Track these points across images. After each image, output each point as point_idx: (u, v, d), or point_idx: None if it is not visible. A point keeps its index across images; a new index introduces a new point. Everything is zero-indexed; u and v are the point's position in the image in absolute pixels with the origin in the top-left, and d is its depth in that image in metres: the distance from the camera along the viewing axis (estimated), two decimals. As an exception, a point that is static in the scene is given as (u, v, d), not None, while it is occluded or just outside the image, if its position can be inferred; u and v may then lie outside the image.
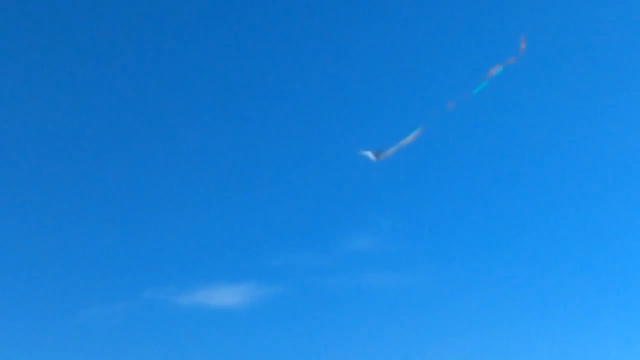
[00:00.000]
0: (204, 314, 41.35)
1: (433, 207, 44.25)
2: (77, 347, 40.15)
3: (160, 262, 43.15)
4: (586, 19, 44.90)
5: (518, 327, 40.32)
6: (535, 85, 44.18)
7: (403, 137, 25.42)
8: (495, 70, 24.33)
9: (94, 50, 46.35)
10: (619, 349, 38.77)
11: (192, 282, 42.19)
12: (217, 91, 46.90)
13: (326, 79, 46.63)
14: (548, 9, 44.67)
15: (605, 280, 41.59)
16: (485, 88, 24.34)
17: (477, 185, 44.03)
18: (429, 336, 40.57)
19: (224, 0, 47.27)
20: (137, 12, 46.88)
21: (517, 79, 42.39)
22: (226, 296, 41.46)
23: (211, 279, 42.28)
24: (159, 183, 45.45)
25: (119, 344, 40.49)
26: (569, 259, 42.23)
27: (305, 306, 42.12)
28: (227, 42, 46.97)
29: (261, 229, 44.15)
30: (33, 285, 41.85)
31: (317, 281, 42.47)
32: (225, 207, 44.87)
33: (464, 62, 43.97)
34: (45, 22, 46.20)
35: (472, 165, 43.99)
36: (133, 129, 46.29)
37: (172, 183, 45.45)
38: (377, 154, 25.52)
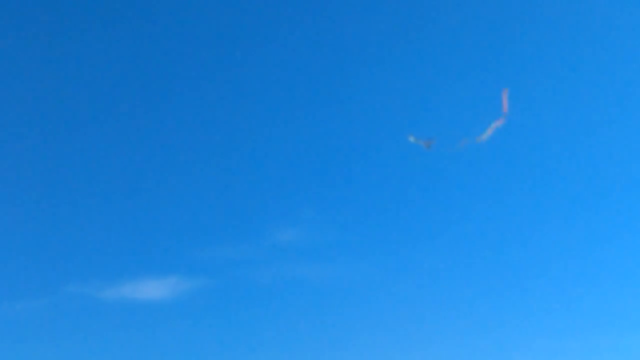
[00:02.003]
0: (129, 308, 41.00)
1: (358, 198, 44.80)
2: (-2, 342, 39.36)
3: (83, 255, 42.58)
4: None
5: (443, 317, 41.13)
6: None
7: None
8: (493, 127, 25.42)
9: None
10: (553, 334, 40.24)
11: (116, 276, 41.78)
12: (137, 83, 46.43)
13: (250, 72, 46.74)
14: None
15: (552, 266, 42.66)
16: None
17: (401, 175, 44.73)
18: (355, 327, 41.02)
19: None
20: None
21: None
22: (152, 290, 41.16)
23: (136, 272, 41.91)
24: (82, 174, 44.81)
25: (42, 340, 39.90)
26: (490, 248, 43.27)
27: (231, 299, 42.19)
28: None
29: (187, 222, 43.92)
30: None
31: (243, 274, 42.54)
32: (150, 200, 44.46)
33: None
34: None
35: (396, 157, 44.50)
36: (49, 119, 45.54)
37: (96, 175, 44.85)
38: (427, 143, 26.16)
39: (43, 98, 45.53)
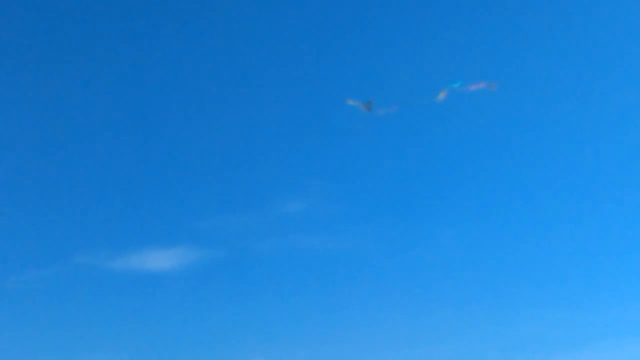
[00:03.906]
0: (137, 278, 41.43)
1: (364, 170, 44.97)
2: (8, 312, 39.99)
3: (92, 226, 43.05)
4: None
5: (450, 285, 41.42)
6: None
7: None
8: (475, 87, 25.45)
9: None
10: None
11: (124, 246, 42.21)
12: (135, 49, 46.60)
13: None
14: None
15: (556, 231, 43.03)
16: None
17: (407, 146, 44.81)
18: (361, 296, 41.41)
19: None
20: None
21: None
22: (159, 260, 41.57)
23: (144, 243, 42.31)
24: (90, 146, 45.16)
25: (51, 309, 40.44)
26: (496, 216, 43.52)
27: (238, 269, 42.55)
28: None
29: (194, 193, 44.26)
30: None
31: (249, 244, 42.87)
32: (157, 171, 44.82)
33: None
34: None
35: (403, 127, 44.53)
36: (57, 91, 45.83)
37: (104, 146, 45.22)
38: (366, 105, 26.27)
39: (49, 70, 45.88)
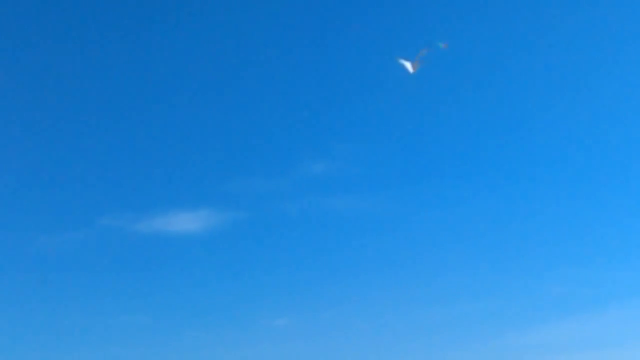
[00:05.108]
0: (162, 240, 41.79)
1: (387, 132, 44.75)
2: (35, 273, 40.53)
3: (116, 188, 43.37)
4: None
5: (472, 247, 41.44)
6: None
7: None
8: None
9: None
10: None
11: (149, 208, 42.51)
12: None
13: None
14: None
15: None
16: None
17: (428, 111, 44.52)
18: (382, 257, 41.55)
19: None
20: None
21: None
22: (185, 222, 41.81)
23: (169, 205, 42.59)
24: (115, 110, 45.40)
25: (77, 271, 40.90)
26: (530, 180, 43.45)
27: (263, 231, 42.75)
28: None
29: (218, 155, 44.37)
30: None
31: (274, 206, 42.96)
32: (180, 134, 44.99)
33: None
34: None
35: (431, 92, 44.16)
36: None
37: (129, 110, 45.38)
38: (413, 64, 26.05)
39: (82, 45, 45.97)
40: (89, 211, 42.44)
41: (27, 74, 45.20)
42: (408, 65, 25.97)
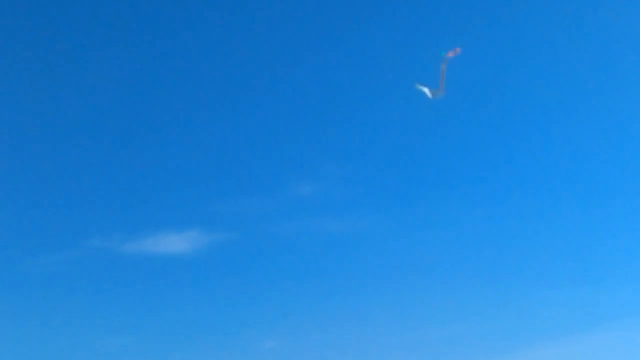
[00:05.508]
0: (150, 261, 41.57)
1: (376, 153, 44.88)
2: (23, 295, 40.18)
3: (105, 209, 43.18)
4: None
5: (462, 268, 41.39)
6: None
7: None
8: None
9: None
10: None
11: (138, 229, 42.31)
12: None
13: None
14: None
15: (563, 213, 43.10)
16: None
17: (419, 131, 44.62)
18: (373, 279, 41.42)
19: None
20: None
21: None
22: (173, 243, 41.68)
23: (157, 226, 42.43)
24: (103, 130, 45.24)
25: (65, 292, 40.66)
26: (503, 200, 43.49)
27: (251, 252, 42.63)
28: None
29: (207, 176, 44.29)
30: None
31: (263, 227, 42.89)
32: (168, 154, 44.92)
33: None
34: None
35: (414, 112, 44.25)
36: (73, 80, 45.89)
37: (118, 130, 45.27)
38: (433, 92, 26.11)
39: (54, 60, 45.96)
40: (77, 232, 42.27)
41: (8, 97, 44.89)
42: (427, 92, 26.05)
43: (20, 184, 43.52)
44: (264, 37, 46.27)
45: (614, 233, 42.37)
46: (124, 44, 46.01)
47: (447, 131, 44.24)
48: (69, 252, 41.50)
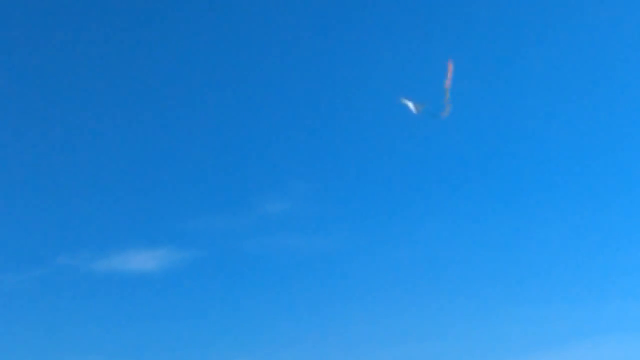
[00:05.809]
0: (120, 279, 41.21)
1: (346, 171, 45.00)
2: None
3: (73, 227, 42.76)
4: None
5: (434, 283, 41.51)
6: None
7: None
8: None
9: None
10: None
11: (106, 247, 41.97)
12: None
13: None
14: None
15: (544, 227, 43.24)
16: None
17: (390, 148, 44.86)
18: (346, 296, 41.36)
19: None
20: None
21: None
22: (142, 261, 41.36)
23: (126, 243, 42.10)
24: (73, 149, 44.92)
25: (34, 311, 40.14)
26: (479, 214, 43.58)
27: (222, 270, 42.43)
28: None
29: (176, 194, 44.08)
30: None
31: (233, 245, 42.75)
32: (138, 171, 44.66)
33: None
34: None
35: (385, 129, 44.58)
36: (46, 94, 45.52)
37: (87, 148, 44.95)
38: (417, 106, 26.07)
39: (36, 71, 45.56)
40: (43, 250, 41.77)
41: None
42: (411, 106, 26.15)
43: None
44: (232, 56, 46.42)
45: (610, 244, 42.72)
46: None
47: (420, 148, 44.65)
48: (36, 270, 41.09)
